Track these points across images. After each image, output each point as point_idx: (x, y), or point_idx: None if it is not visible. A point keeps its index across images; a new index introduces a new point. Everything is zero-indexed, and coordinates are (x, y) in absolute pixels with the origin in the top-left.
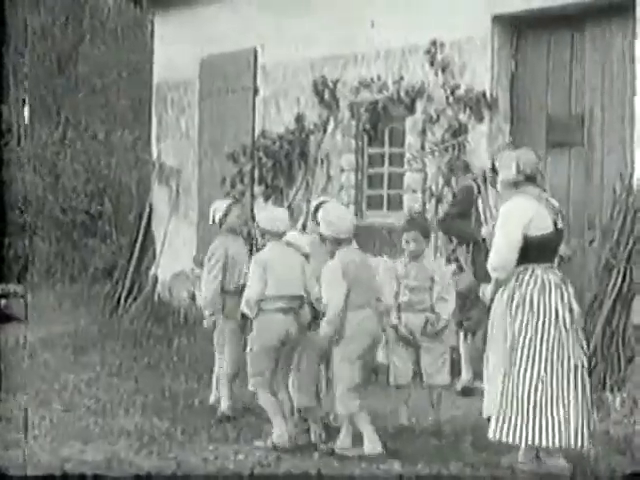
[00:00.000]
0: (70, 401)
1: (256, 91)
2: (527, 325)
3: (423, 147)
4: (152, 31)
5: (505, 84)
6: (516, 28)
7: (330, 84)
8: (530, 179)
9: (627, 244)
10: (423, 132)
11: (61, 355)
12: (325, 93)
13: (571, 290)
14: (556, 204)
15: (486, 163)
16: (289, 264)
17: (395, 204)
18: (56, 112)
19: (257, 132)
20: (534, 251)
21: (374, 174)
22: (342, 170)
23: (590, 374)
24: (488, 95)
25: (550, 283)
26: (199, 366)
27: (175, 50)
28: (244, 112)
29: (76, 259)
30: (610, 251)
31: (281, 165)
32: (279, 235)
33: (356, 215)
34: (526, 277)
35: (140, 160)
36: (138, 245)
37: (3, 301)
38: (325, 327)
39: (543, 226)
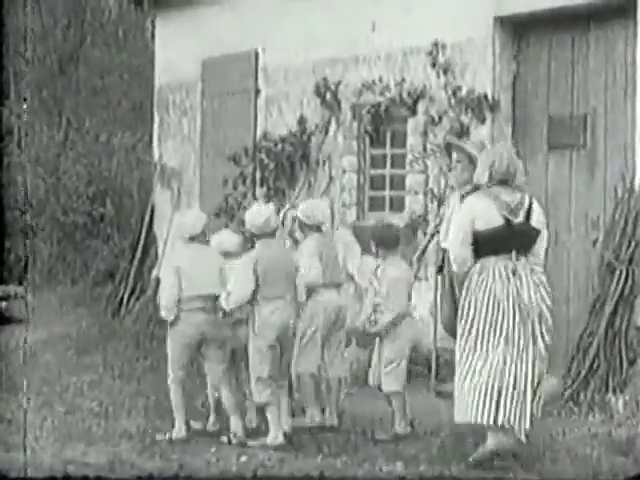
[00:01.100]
0: (72, 403)
1: (258, 93)
2: (474, 314)
3: (425, 148)
4: (153, 33)
5: (507, 86)
6: (518, 30)
7: (332, 86)
8: (502, 182)
9: (629, 246)
10: (425, 133)
11: (63, 357)
12: (327, 95)
13: (532, 281)
14: (514, 201)
15: None
16: (205, 264)
17: (397, 205)
18: (57, 114)
19: (259, 134)
20: (486, 244)
21: (376, 175)
22: (344, 171)
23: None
24: (490, 97)
25: (500, 275)
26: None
27: (177, 52)
28: (246, 114)
29: (78, 261)
30: (612, 253)
31: (283, 167)
32: (193, 237)
33: (358, 216)
34: (477, 269)
35: (142, 162)
36: (140, 247)
37: (4, 303)
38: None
39: (491, 221)
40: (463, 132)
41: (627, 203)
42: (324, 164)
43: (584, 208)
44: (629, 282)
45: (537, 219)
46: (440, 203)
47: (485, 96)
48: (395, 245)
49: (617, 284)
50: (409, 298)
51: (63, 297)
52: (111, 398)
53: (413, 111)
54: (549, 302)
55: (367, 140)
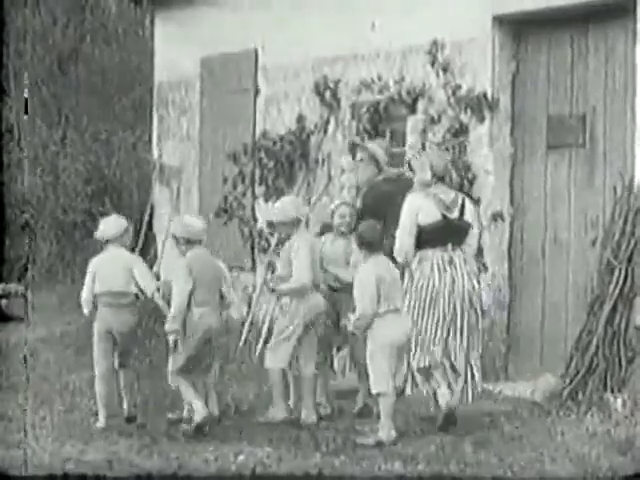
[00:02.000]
0: (71, 401)
1: (257, 91)
2: (415, 300)
3: (424, 147)
4: (153, 31)
5: (506, 85)
6: (517, 29)
7: (331, 84)
8: (440, 179)
9: (628, 245)
10: (424, 132)
11: (62, 355)
12: (326, 93)
13: (466, 270)
14: (449, 199)
15: (487, 164)
16: (118, 264)
17: None
18: (57, 112)
19: (258, 132)
20: (426, 237)
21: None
22: (343, 170)
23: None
24: (489, 96)
25: (439, 264)
26: None
27: (176, 50)
28: (245, 112)
29: (77, 259)
30: (611, 252)
31: (282, 165)
32: (113, 239)
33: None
34: (417, 259)
35: (141, 160)
36: (139, 245)
37: (4, 301)
38: (170, 322)
39: (431, 217)
40: (462, 131)
41: (626, 202)
42: (323, 163)
43: (583, 207)
44: (628, 281)
45: (469, 215)
46: None
47: (484, 95)
48: (379, 245)
49: (616, 283)
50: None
51: (63, 295)
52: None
53: (412, 110)
54: (480, 288)
55: (366, 139)
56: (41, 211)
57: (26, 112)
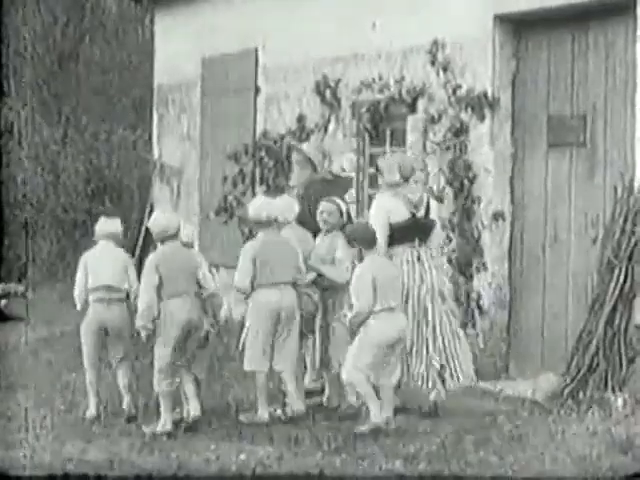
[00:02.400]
0: (72, 401)
1: (257, 91)
2: None
3: (424, 147)
4: (153, 31)
5: (506, 84)
6: (518, 28)
7: (331, 84)
8: (406, 179)
9: (629, 244)
10: (424, 132)
11: (62, 354)
12: (326, 93)
13: (433, 265)
14: (416, 198)
15: (487, 163)
16: (110, 259)
17: None
18: (57, 111)
19: (258, 132)
20: (396, 235)
21: (375, 174)
22: (343, 170)
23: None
24: (489, 95)
25: (408, 260)
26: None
27: (176, 50)
28: (245, 112)
29: (77, 258)
30: (612, 251)
31: (282, 165)
32: (105, 236)
33: (357, 214)
34: (388, 256)
35: (141, 160)
36: (139, 244)
37: (4, 300)
38: (139, 318)
39: (400, 215)
40: (463, 130)
41: (627, 201)
42: (323, 162)
43: (583, 206)
44: (628, 280)
45: (433, 213)
46: (440, 201)
47: (485, 94)
48: (373, 243)
49: (616, 282)
50: (393, 293)
51: (63, 295)
52: (110, 396)
53: (413, 109)
54: (448, 282)
55: (366, 138)
56: (41, 210)
57: (26, 111)
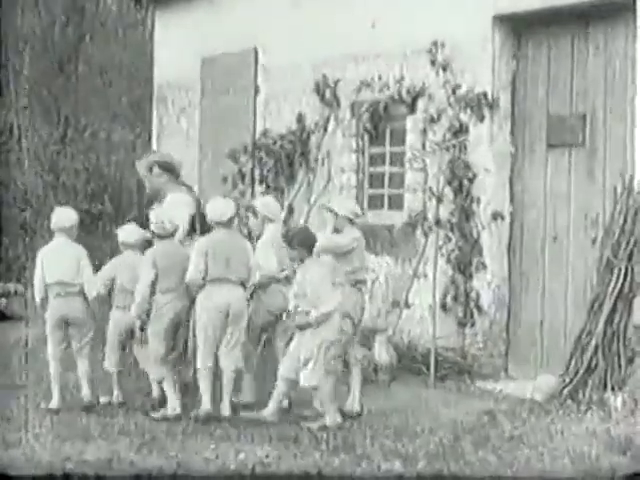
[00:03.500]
0: (71, 400)
1: (257, 91)
2: None
3: (424, 146)
4: (153, 31)
5: (506, 84)
6: (517, 28)
7: (331, 84)
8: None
9: (628, 244)
10: (424, 132)
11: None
12: (326, 93)
13: None
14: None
15: (487, 163)
16: (64, 254)
17: (396, 203)
18: (56, 111)
19: (258, 131)
20: None
21: (375, 173)
22: (343, 170)
23: None
24: (489, 95)
25: None
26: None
27: (176, 49)
28: (245, 111)
29: None
30: (611, 251)
31: (282, 165)
32: (60, 230)
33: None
34: None
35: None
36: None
37: (3, 300)
38: (135, 308)
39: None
40: (462, 130)
41: (626, 201)
42: (323, 162)
43: (583, 206)
44: (628, 280)
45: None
46: (439, 201)
47: (484, 94)
48: (313, 246)
49: (616, 282)
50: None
51: None
52: (110, 395)
53: (412, 109)
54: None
55: (366, 138)
56: (41, 210)
57: (26, 111)
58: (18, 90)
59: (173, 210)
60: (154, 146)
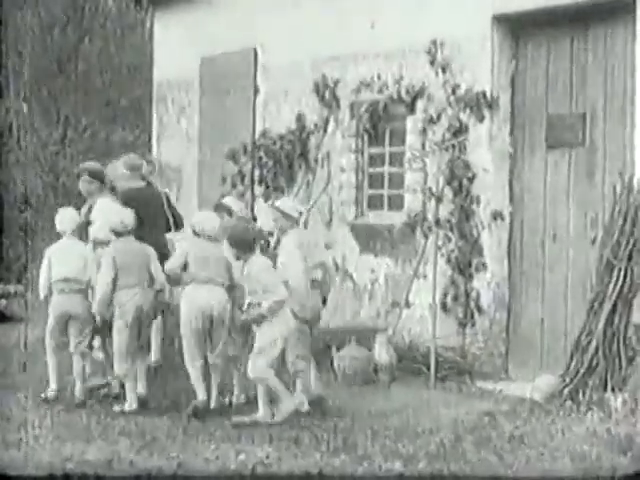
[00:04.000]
0: (71, 401)
1: (256, 91)
2: None
3: (423, 147)
4: (152, 31)
5: (505, 84)
6: (517, 28)
7: (331, 84)
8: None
9: (628, 243)
10: (423, 132)
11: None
12: (325, 93)
13: None
14: None
15: (486, 163)
16: (73, 253)
17: (395, 204)
18: (56, 112)
19: (257, 132)
20: None
21: (374, 174)
22: (342, 170)
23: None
24: (488, 95)
25: None
26: None
27: (175, 49)
28: (244, 112)
29: None
30: (611, 251)
31: (281, 165)
32: (65, 231)
33: (356, 215)
34: None
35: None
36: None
37: (3, 301)
38: (96, 305)
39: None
40: (462, 130)
41: (626, 201)
42: (323, 162)
43: (583, 206)
44: (628, 280)
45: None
46: (439, 201)
47: (484, 94)
48: (253, 245)
49: (616, 282)
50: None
51: None
52: (110, 396)
53: (412, 109)
54: None
55: (366, 138)
56: (40, 211)
57: (25, 111)
58: (18, 90)
59: (96, 214)
60: (154, 146)
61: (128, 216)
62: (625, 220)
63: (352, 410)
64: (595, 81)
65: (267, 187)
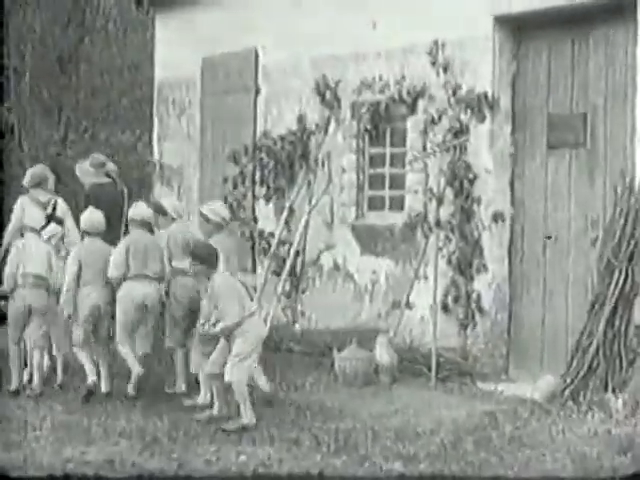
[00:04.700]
0: (71, 401)
1: (257, 91)
2: None
3: (424, 147)
4: (153, 31)
5: (507, 84)
6: (518, 28)
7: (331, 84)
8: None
9: (629, 244)
10: (425, 132)
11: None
12: (326, 93)
13: None
14: (43, 199)
15: (487, 163)
16: (37, 249)
17: (396, 205)
18: (57, 112)
19: (258, 132)
20: None
21: (375, 174)
22: (343, 170)
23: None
24: (490, 95)
25: None
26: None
27: (176, 50)
28: (245, 112)
29: None
30: (612, 252)
31: (282, 165)
32: (29, 228)
33: (357, 216)
34: None
35: (141, 160)
36: None
37: (2, 302)
38: (62, 298)
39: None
40: (463, 131)
41: (627, 202)
42: (323, 163)
43: (583, 207)
44: (628, 281)
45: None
46: (440, 202)
47: (485, 95)
48: (215, 261)
49: (616, 283)
50: (248, 300)
51: None
52: (110, 396)
53: (413, 110)
54: None
55: (366, 139)
56: None
57: (26, 112)
58: (18, 91)
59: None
60: (155, 147)
61: (98, 218)
62: (626, 221)
63: (353, 411)
64: (596, 82)
65: (268, 188)
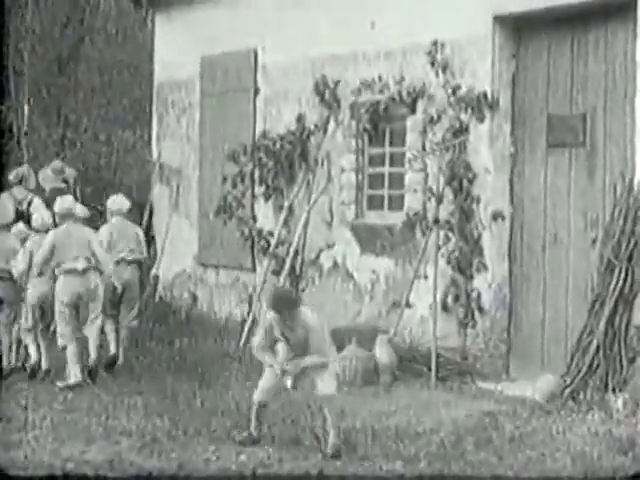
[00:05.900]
0: (71, 401)
1: (257, 91)
2: None
3: (424, 147)
4: (153, 31)
5: (506, 84)
6: (517, 28)
7: (331, 84)
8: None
9: (629, 244)
10: (424, 132)
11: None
12: (326, 93)
13: None
14: (20, 196)
15: (487, 163)
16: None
17: (396, 204)
18: (56, 112)
19: (258, 132)
20: None
21: (375, 174)
22: (343, 170)
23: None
24: (489, 95)
25: None
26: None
27: (176, 50)
28: (245, 112)
29: None
30: (612, 251)
31: (282, 165)
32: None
33: (357, 215)
34: None
35: (141, 160)
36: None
37: None
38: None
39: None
40: (462, 130)
41: (626, 201)
42: (323, 163)
43: (583, 207)
44: (628, 280)
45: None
46: (439, 201)
47: (484, 95)
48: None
49: (616, 283)
50: None
51: None
52: (110, 396)
53: (412, 109)
54: None
55: (366, 138)
56: None
57: (26, 112)
58: (18, 91)
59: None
60: (154, 146)
61: (68, 200)
62: (626, 220)
63: (353, 410)
64: (595, 81)
65: (267, 187)
